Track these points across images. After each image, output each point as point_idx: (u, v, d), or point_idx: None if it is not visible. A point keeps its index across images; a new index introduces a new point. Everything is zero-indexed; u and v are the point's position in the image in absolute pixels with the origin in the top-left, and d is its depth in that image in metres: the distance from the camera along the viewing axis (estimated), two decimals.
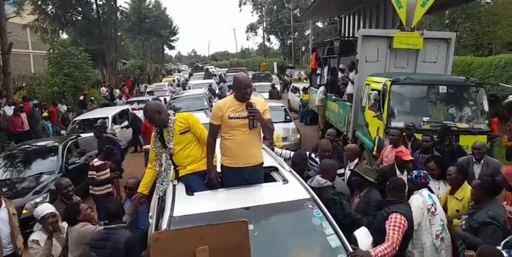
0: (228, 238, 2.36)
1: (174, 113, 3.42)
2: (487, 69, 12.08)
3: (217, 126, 3.27)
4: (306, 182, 3.80)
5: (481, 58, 13.80)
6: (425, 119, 6.47)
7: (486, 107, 6.58)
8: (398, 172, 4.86)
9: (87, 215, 3.71)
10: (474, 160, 5.19)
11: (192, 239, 2.33)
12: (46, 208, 3.66)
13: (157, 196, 3.44)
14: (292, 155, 5.22)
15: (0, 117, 11.58)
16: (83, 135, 9.45)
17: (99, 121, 10.13)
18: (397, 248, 3.22)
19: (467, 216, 3.54)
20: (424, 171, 4.03)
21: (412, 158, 5.14)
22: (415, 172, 3.93)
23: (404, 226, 3.33)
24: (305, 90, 15.21)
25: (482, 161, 5.16)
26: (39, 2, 22.31)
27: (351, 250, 2.83)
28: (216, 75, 30.76)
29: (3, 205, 4.18)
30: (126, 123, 12.04)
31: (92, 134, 8.22)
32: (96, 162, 5.90)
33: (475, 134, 6.27)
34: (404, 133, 5.92)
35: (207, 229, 2.39)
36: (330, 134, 6.00)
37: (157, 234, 2.44)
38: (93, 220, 3.83)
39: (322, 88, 11.26)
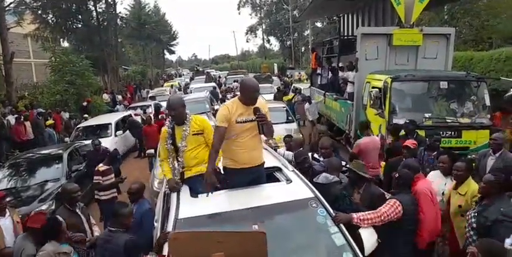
0: (245, 247, 2.34)
1: (189, 114, 3.50)
2: (488, 64, 12.02)
3: (225, 128, 3.20)
4: (313, 179, 3.82)
5: (481, 53, 13.73)
6: (427, 115, 6.47)
7: (488, 102, 6.59)
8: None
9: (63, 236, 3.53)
10: (491, 151, 5.07)
11: (209, 244, 2.33)
12: None
13: (165, 193, 3.46)
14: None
15: (5, 126, 11.65)
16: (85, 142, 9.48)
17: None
18: (383, 221, 3.26)
19: (475, 213, 3.45)
20: None
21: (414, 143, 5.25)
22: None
23: (399, 210, 3.36)
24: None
25: (498, 154, 4.96)
26: (40, 12, 22.46)
27: (356, 248, 2.82)
28: (220, 77, 31.49)
29: (8, 213, 4.21)
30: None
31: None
32: (101, 167, 5.93)
33: (477, 128, 6.27)
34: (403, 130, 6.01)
35: (226, 235, 2.39)
36: (321, 131, 6.18)
37: (176, 234, 2.46)
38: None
39: (314, 102, 11.27)
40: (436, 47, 8.21)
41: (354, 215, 3.17)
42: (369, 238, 3.02)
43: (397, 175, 3.72)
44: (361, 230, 3.05)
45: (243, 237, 2.38)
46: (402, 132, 6.07)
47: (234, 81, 21.48)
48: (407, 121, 6.14)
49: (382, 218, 3.26)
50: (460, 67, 12.70)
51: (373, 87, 7.22)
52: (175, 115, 3.43)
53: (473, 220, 3.44)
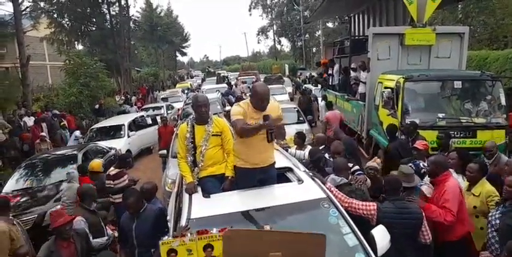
0: (304, 248, 2.28)
1: (211, 114, 3.57)
2: (504, 63, 11.79)
3: (243, 119, 3.17)
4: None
5: (496, 52, 13.48)
6: (440, 115, 6.38)
7: (503, 101, 6.45)
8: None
9: None
10: (484, 158, 5.06)
11: (265, 243, 2.28)
12: None
13: (177, 193, 3.49)
14: (306, 155, 5.24)
15: (21, 127, 11.90)
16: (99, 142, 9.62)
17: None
18: (349, 207, 3.35)
19: (500, 215, 3.38)
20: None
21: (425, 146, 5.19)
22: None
23: (371, 214, 3.36)
24: None
25: (492, 160, 4.99)
26: (55, 15, 22.89)
27: (369, 248, 2.80)
28: (227, 77, 31.46)
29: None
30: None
31: None
32: (112, 171, 5.90)
33: (492, 128, 6.16)
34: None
35: (284, 235, 2.35)
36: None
37: (229, 232, 2.42)
38: None
39: (322, 103, 11.46)
40: (449, 46, 8.09)
41: (329, 183, 3.48)
42: (382, 238, 2.99)
43: (383, 181, 3.69)
44: (373, 231, 3.03)
45: (302, 238, 2.32)
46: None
47: (243, 82, 21.46)
48: (407, 122, 6.11)
49: (347, 205, 3.37)
50: (474, 66, 12.49)
51: (385, 88, 7.15)
52: (206, 111, 3.46)
53: (497, 221, 3.37)
